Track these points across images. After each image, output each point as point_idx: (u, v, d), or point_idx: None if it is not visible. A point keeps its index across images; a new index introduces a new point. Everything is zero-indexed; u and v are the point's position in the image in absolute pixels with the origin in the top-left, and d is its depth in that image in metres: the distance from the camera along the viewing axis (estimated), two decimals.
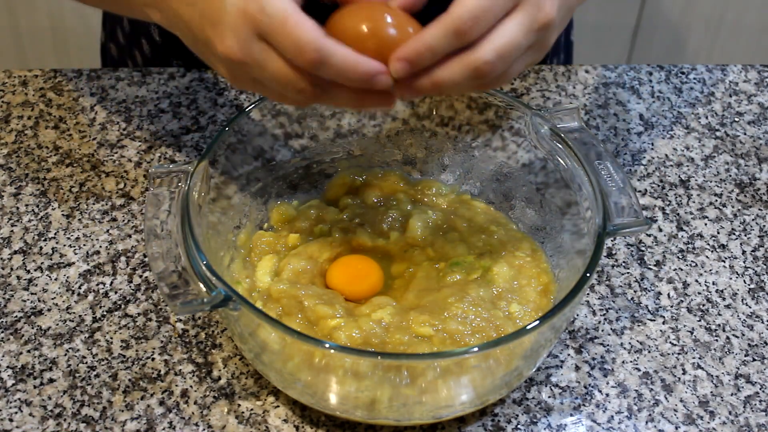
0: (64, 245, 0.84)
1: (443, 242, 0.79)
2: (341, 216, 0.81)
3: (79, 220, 0.86)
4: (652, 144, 0.96)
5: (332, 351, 0.65)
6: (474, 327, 0.71)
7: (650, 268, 0.85)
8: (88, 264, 0.82)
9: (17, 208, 0.87)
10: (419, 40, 0.61)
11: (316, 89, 0.61)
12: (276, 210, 0.82)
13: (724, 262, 0.86)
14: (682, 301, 0.82)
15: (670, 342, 0.79)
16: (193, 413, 0.73)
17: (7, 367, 0.75)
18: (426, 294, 0.74)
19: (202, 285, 0.66)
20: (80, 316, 0.79)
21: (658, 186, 0.92)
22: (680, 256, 0.86)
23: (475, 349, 0.65)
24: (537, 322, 0.65)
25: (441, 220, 0.81)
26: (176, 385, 0.74)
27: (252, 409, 0.73)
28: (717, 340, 0.80)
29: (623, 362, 0.78)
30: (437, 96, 0.82)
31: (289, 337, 0.65)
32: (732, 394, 0.76)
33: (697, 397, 0.76)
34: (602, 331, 0.80)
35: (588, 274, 0.68)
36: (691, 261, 0.86)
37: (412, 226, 0.80)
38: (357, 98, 0.63)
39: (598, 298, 0.82)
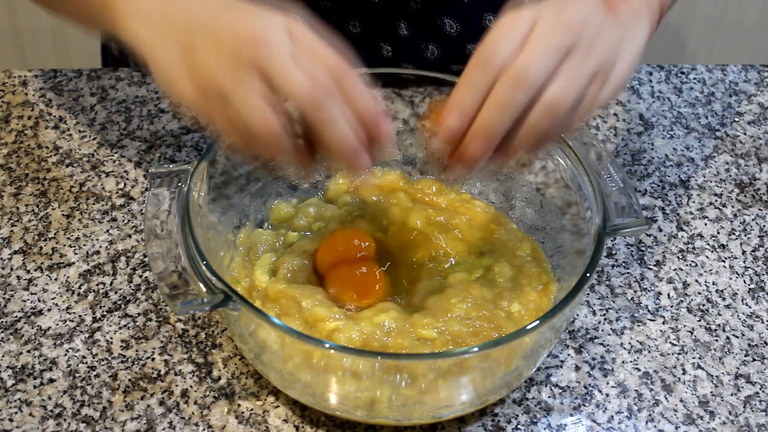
0: (64, 245, 0.84)
1: (443, 242, 0.79)
2: (340, 212, 0.81)
3: (79, 220, 0.86)
4: (652, 144, 0.96)
5: (332, 351, 0.65)
6: (475, 327, 0.71)
7: (650, 268, 0.85)
8: (88, 264, 0.82)
9: (17, 208, 0.87)
10: (457, 90, 0.62)
11: (319, 90, 0.60)
12: (275, 209, 0.82)
13: (724, 262, 0.86)
14: (682, 301, 0.82)
15: (670, 342, 0.79)
16: (193, 413, 0.73)
17: (7, 367, 0.75)
18: (429, 295, 0.74)
19: (202, 285, 0.66)
20: (80, 316, 0.79)
21: (658, 186, 0.92)
22: (680, 256, 0.86)
23: (475, 349, 0.65)
24: (537, 322, 0.65)
25: (441, 220, 0.81)
26: (176, 385, 0.74)
27: (252, 409, 0.73)
28: (717, 340, 0.80)
29: (623, 362, 0.78)
30: (508, 157, 0.72)
31: (289, 337, 0.65)
32: (732, 394, 0.76)
33: (697, 397, 0.76)
34: (602, 331, 0.80)
35: (588, 274, 0.68)
36: (691, 261, 0.86)
37: (412, 225, 0.80)
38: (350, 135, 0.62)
39: (598, 298, 0.82)
